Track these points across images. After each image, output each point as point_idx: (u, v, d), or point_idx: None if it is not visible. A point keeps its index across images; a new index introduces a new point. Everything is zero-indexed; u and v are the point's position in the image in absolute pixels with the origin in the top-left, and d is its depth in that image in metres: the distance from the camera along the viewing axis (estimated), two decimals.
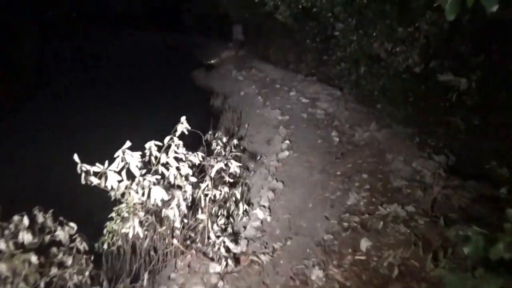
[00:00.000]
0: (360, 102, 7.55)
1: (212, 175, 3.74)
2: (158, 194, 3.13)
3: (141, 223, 3.67)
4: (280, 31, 10.70)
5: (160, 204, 3.21)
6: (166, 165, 3.60)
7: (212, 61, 14.72)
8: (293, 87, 9.42)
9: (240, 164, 3.91)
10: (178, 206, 3.31)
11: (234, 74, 11.79)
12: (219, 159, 5.34)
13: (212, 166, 4.92)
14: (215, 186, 3.86)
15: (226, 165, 3.82)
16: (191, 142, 5.46)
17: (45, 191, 5.75)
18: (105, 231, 3.80)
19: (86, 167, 3.17)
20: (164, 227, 3.81)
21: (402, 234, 3.53)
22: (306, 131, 6.88)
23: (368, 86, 7.52)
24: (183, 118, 3.79)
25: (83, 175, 3.17)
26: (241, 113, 8.69)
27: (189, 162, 3.83)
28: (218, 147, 5.27)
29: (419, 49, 5.89)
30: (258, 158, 6.14)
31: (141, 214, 3.43)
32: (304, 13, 8.54)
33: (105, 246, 3.82)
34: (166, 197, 3.18)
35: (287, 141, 6.37)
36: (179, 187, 3.63)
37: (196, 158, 3.93)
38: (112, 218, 3.68)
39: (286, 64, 11.05)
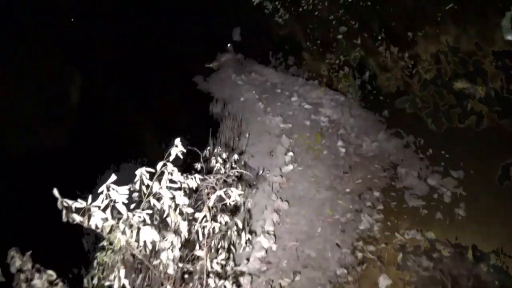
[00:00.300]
0: (365, 108, 7.08)
1: (210, 204, 3.28)
2: (148, 235, 2.68)
3: (133, 256, 3.25)
4: (280, 34, 10.23)
5: (150, 247, 2.76)
6: (159, 195, 3.16)
7: (211, 65, 14.23)
8: (295, 92, 8.93)
9: (242, 192, 3.46)
10: (172, 247, 2.86)
11: (234, 78, 11.30)
12: (218, 177, 4.90)
13: (213, 189, 4.48)
14: (214, 217, 3.41)
15: (225, 192, 3.37)
16: (190, 159, 5.05)
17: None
18: (95, 263, 3.37)
19: (67, 202, 2.72)
20: (158, 261, 3.37)
21: (425, 269, 3.09)
22: (310, 141, 6.42)
23: (374, 91, 7.08)
24: (177, 141, 3.32)
25: (64, 211, 2.73)
26: (241, 121, 8.22)
27: (186, 188, 3.40)
28: (218, 164, 4.80)
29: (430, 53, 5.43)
30: (261, 172, 5.68)
31: (134, 245, 3.00)
32: (305, 16, 8.08)
33: (95, 281, 3.39)
34: (157, 238, 2.73)
35: (291, 153, 5.92)
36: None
37: (193, 181, 3.50)
38: (103, 248, 3.26)
39: (286, 67, 10.57)
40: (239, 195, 3.33)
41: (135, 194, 3.19)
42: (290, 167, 5.50)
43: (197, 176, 3.55)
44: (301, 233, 4.00)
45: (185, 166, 4.84)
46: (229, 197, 3.36)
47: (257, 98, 9.19)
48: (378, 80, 6.20)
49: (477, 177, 4.30)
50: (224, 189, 3.40)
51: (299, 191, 4.88)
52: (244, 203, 4.77)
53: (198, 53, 15.83)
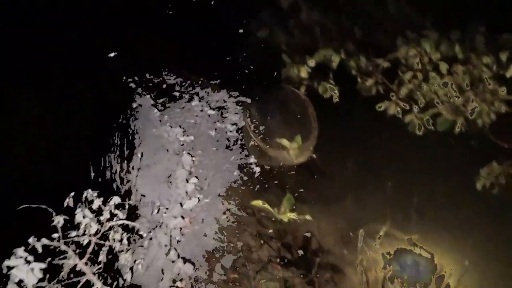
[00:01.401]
0: (276, 112, 5.89)
1: None
2: None
3: None
4: (176, 28, 8.54)
5: None
6: None
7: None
8: (195, 95, 7.40)
9: None
10: None
11: (124, 79, 9.27)
12: (87, 240, 3.29)
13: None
14: None
15: None
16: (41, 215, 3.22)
17: None
18: None
19: None
20: None
21: None
22: (217, 158, 4.99)
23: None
24: None
25: None
26: (133, 135, 6.41)
27: None
28: (86, 220, 3.12)
29: None
30: (156, 211, 4.08)
31: None
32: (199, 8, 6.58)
33: None
34: None
35: (194, 179, 4.44)
36: None
37: (33, 275, 1.92)
38: None
39: (185, 66, 8.93)
40: None
41: None
42: (195, 201, 4.03)
43: (37, 266, 1.95)
44: None
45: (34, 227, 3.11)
46: None
47: (152, 104, 7.43)
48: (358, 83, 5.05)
49: None
50: None
51: (208, 239, 3.44)
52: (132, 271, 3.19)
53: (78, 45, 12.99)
